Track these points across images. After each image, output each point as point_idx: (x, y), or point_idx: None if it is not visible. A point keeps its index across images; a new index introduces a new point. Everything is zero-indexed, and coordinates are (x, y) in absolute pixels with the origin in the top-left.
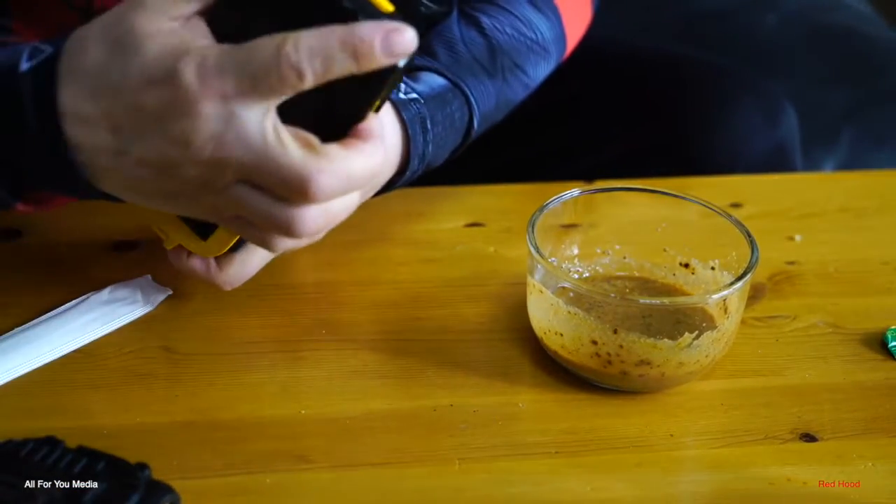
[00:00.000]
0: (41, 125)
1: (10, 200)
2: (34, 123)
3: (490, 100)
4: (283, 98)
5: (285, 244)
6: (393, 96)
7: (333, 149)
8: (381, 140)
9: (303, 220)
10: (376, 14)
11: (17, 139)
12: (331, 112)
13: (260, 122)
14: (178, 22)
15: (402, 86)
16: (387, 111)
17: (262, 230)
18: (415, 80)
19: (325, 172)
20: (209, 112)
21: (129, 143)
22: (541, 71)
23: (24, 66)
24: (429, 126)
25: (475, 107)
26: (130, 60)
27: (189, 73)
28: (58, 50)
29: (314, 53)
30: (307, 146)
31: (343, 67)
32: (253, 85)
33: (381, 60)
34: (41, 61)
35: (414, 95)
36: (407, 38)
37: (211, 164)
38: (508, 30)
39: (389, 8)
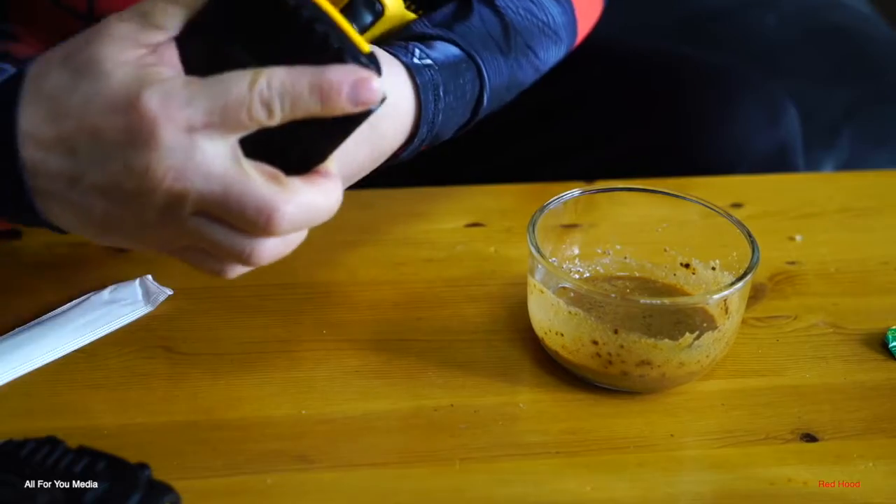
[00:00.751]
0: None
1: None
2: None
3: (502, 77)
4: (248, 132)
5: (238, 272)
6: (407, 60)
7: (297, 182)
8: (339, 180)
9: (262, 252)
10: (356, 54)
11: None
12: (294, 149)
13: (224, 154)
14: (146, 50)
15: (417, 51)
16: (400, 74)
17: (218, 260)
18: (429, 47)
19: (290, 204)
20: (170, 142)
21: (84, 168)
22: (551, 55)
23: None
24: (441, 94)
25: (487, 82)
26: (93, 86)
27: (153, 102)
28: (21, 71)
29: (285, 91)
30: (272, 178)
31: (309, 109)
32: (222, 118)
33: (346, 107)
34: (3, 81)
35: (428, 62)
36: (374, 88)
37: (168, 195)
38: (522, 11)
39: (367, 49)
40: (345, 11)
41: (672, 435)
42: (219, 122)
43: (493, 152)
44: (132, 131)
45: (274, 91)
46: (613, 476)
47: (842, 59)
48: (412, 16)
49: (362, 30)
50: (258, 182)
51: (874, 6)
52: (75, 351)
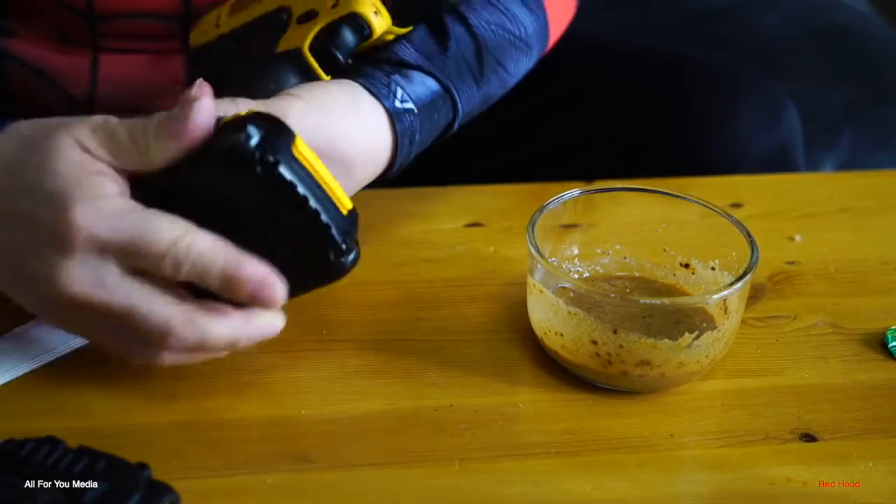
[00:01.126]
0: None
1: None
2: None
3: (473, 103)
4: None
5: None
6: (389, 106)
7: (199, 310)
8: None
9: (164, 360)
10: (339, 223)
11: None
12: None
13: (128, 278)
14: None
15: (399, 91)
16: (381, 121)
17: (130, 355)
18: (408, 80)
19: (188, 327)
20: (82, 257)
21: (13, 243)
22: (521, 67)
23: None
24: (416, 138)
25: (460, 111)
26: (40, 177)
27: (82, 217)
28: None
29: (198, 262)
30: (178, 297)
31: (212, 286)
32: (135, 256)
33: (244, 300)
34: None
35: (409, 105)
36: (276, 295)
37: (73, 301)
38: (493, 26)
39: (348, 205)
40: (326, 31)
41: (672, 435)
42: (132, 257)
43: (493, 152)
44: (56, 233)
45: (190, 257)
46: (613, 476)
47: (842, 59)
48: (401, 31)
49: (347, 53)
50: (158, 302)
51: (874, 6)
52: (75, 351)
